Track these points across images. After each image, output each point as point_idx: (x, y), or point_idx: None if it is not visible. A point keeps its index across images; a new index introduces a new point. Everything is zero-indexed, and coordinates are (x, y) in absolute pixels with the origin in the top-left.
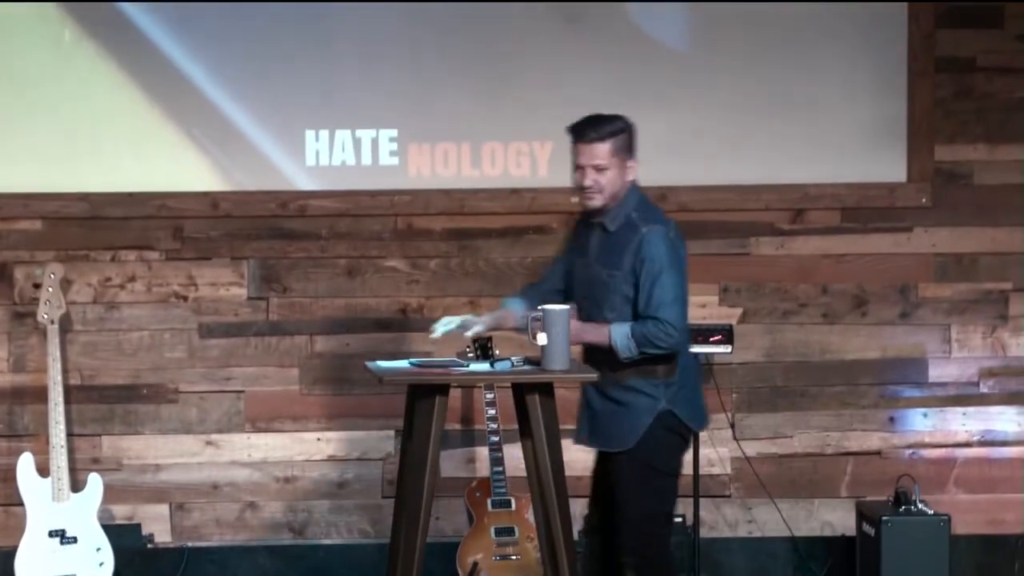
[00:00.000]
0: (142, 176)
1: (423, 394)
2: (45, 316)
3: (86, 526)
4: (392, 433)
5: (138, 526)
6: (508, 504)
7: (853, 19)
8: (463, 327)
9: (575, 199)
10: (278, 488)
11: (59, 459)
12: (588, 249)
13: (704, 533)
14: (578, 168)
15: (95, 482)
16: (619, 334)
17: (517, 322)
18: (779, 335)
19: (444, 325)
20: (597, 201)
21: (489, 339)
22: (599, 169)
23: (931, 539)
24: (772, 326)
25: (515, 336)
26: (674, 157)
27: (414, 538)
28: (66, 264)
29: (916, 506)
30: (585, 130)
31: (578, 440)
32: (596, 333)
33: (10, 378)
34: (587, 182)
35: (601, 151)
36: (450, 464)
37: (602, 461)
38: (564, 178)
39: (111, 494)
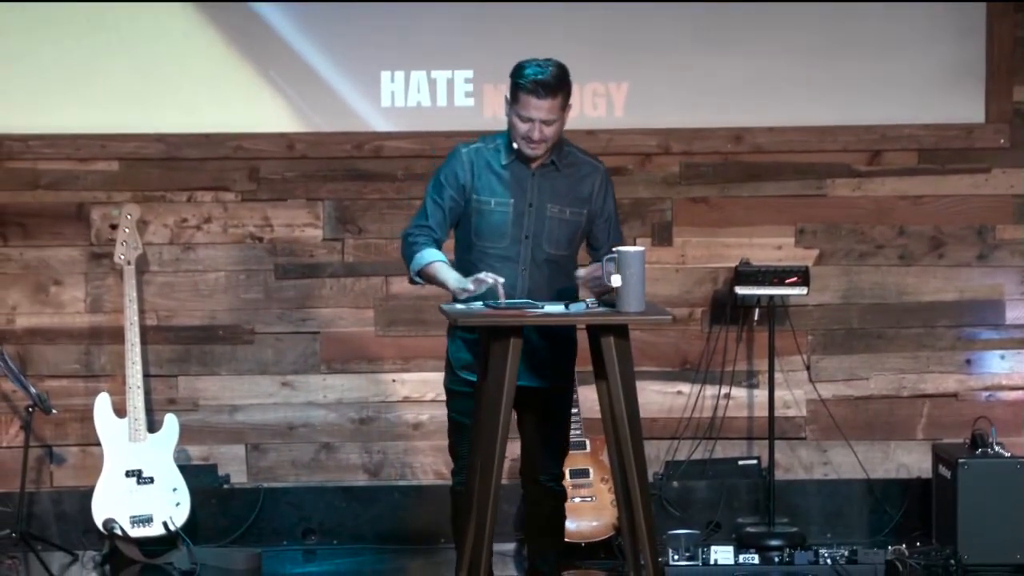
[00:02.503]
0: (218, 117)
1: (498, 336)
2: (122, 257)
3: (163, 466)
4: None
5: (214, 467)
6: (583, 446)
7: None
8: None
9: (515, 145)
10: (353, 429)
11: (136, 399)
12: (524, 189)
13: (779, 475)
14: (527, 120)
15: (171, 422)
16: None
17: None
18: (855, 277)
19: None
20: (541, 151)
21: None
22: (549, 123)
23: (1008, 482)
24: (848, 268)
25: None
26: (750, 98)
27: (489, 478)
28: (142, 205)
29: (993, 449)
30: (542, 87)
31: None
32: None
33: (87, 318)
34: (537, 135)
35: (554, 107)
36: None
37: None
38: (640, 119)
39: (187, 435)
